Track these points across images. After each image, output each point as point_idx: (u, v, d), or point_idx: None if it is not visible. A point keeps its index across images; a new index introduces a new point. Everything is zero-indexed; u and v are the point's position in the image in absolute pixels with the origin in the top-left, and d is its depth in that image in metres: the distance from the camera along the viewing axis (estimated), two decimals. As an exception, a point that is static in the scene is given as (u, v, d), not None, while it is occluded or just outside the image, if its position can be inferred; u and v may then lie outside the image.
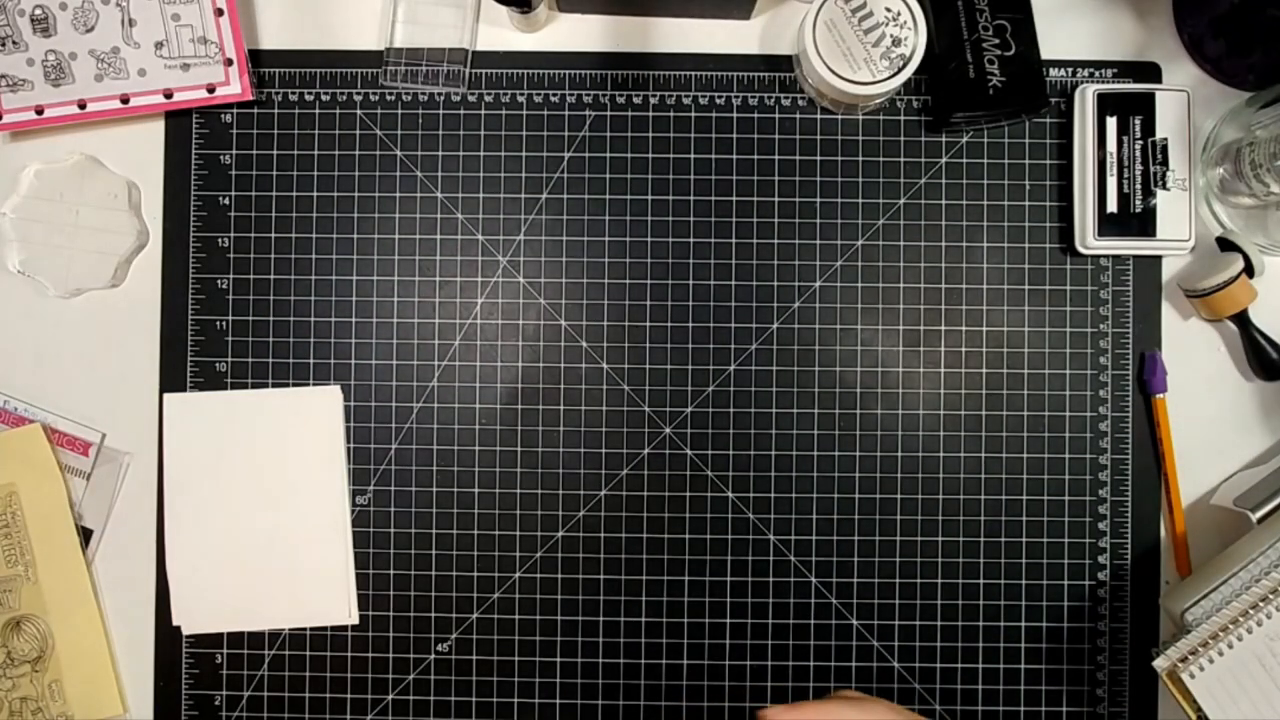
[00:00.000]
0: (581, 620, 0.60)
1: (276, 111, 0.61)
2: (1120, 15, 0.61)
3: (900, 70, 0.56)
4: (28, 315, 0.61)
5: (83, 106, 0.59)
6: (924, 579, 0.60)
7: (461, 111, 0.61)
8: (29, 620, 0.60)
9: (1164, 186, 0.58)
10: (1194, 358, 0.60)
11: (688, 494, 0.60)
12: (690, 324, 0.61)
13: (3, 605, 0.60)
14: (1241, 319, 0.59)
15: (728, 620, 0.60)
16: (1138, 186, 0.58)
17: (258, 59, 0.61)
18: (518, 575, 0.61)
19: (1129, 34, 0.61)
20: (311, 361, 0.61)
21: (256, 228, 0.61)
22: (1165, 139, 0.58)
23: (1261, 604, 0.53)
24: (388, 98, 0.61)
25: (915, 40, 0.56)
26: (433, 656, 0.61)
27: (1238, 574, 0.54)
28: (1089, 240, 0.58)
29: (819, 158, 0.61)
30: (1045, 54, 0.59)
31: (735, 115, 0.61)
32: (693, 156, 0.61)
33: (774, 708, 0.44)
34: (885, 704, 0.46)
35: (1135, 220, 0.58)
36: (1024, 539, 0.60)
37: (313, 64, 0.61)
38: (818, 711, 0.44)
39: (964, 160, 0.61)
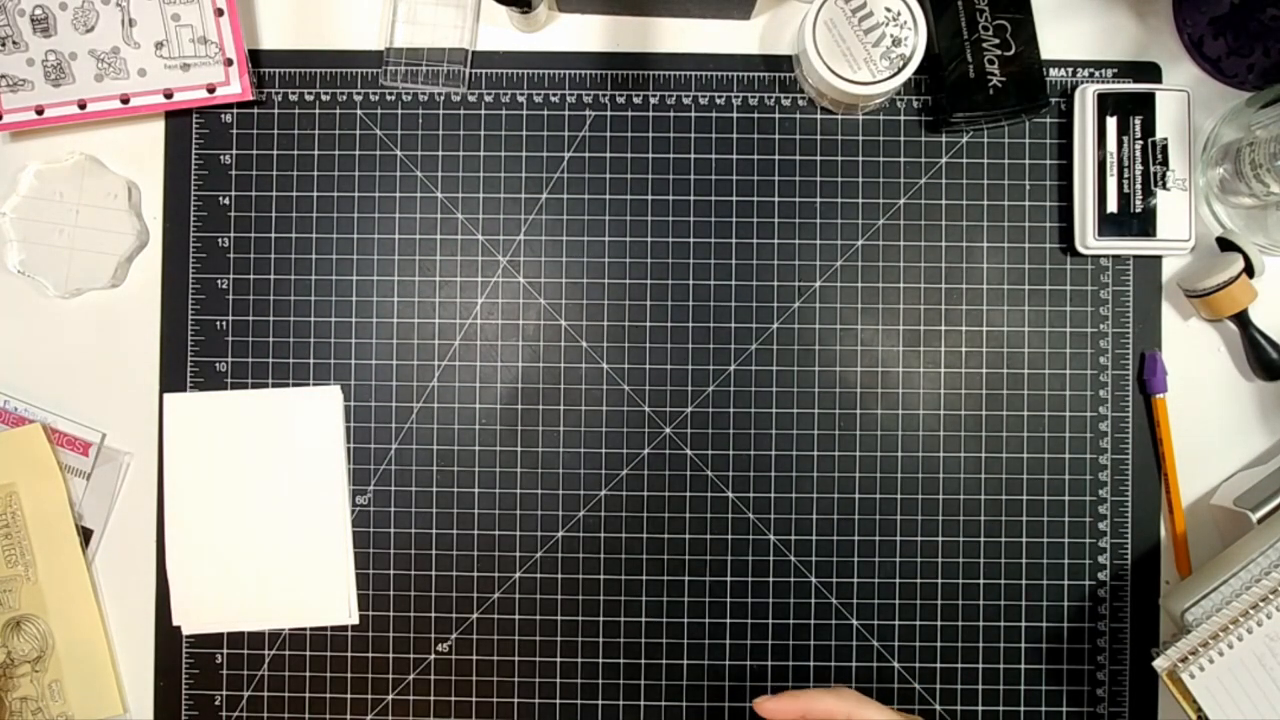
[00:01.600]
0: (581, 620, 0.60)
1: (276, 111, 0.61)
2: (1120, 15, 0.61)
3: (900, 70, 0.56)
4: (28, 315, 0.61)
5: (83, 106, 0.59)
6: (924, 579, 0.60)
7: (461, 111, 0.61)
8: (29, 620, 0.60)
9: (1164, 186, 0.58)
10: (1194, 358, 0.60)
11: (688, 494, 0.60)
12: (690, 324, 0.61)
13: (3, 605, 0.60)
14: (1241, 319, 0.59)
15: (728, 620, 0.60)
16: (1138, 186, 0.58)
17: (258, 59, 0.61)
18: (518, 575, 0.61)
19: (1129, 34, 0.61)
20: (311, 361, 0.61)
21: (256, 228, 0.61)
22: (1165, 139, 0.58)
23: (1261, 604, 0.53)
24: (388, 98, 0.61)
25: (915, 40, 0.56)
26: (433, 656, 0.61)
27: (1238, 574, 0.54)
28: (1089, 240, 0.58)
29: (819, 158, 0.61)
30: (1045, 54, 0.59)
31: (735, 115, 0.61)
32: (693, 156, 0.61)
33: (763, 697, 0.49)
34: (860, 697, 0.48)
35: (1135, 220, 0.58)
36: (1024, 539, 0.60)
37: (313, 64, 0.61)
38: (795, 699, 0.48)
39: (964, 160, 0.61)
